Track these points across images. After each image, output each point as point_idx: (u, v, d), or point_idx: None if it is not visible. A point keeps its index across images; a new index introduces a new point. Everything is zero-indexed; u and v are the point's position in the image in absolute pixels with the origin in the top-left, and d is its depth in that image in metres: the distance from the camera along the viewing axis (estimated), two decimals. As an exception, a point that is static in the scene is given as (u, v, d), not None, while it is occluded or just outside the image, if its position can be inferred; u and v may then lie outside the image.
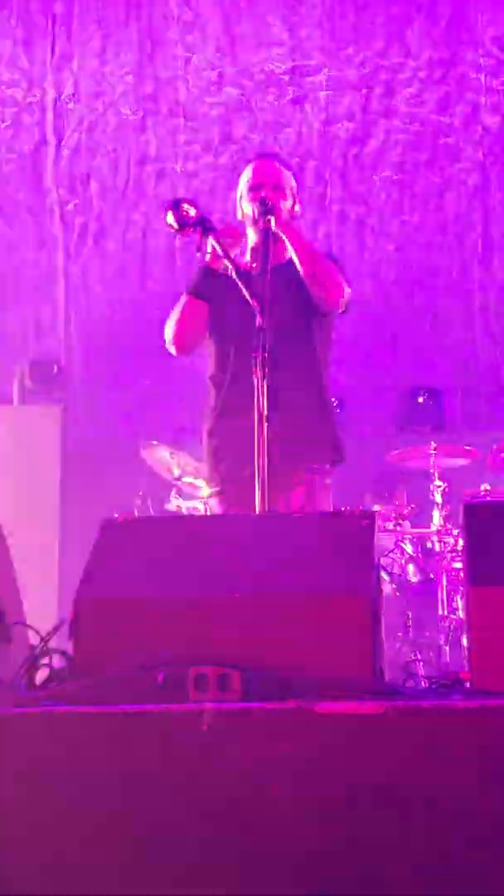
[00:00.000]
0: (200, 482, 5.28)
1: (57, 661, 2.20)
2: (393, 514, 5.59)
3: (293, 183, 3.85)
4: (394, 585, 5.42)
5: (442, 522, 5.46)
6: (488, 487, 5.54)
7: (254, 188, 3.72)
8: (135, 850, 1.78)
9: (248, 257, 3.75)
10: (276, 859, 1.76)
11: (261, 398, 3.11)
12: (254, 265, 3.57)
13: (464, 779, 1.76)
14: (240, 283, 3.33)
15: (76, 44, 7.91)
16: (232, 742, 1.79)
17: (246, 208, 3.72)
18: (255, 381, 3.13)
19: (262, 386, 3.12)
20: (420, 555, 5.55)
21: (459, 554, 5.18)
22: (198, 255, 3.64)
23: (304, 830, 1.77)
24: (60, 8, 7.92)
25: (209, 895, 1.75)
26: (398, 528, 5.59)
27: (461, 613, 5.02)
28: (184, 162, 7.86)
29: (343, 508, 2.44)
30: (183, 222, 3.47)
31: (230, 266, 3.44)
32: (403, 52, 7.75)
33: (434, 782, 1.76)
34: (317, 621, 2.08)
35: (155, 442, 5.98)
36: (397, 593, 5.43)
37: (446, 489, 5.53)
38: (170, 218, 3.48)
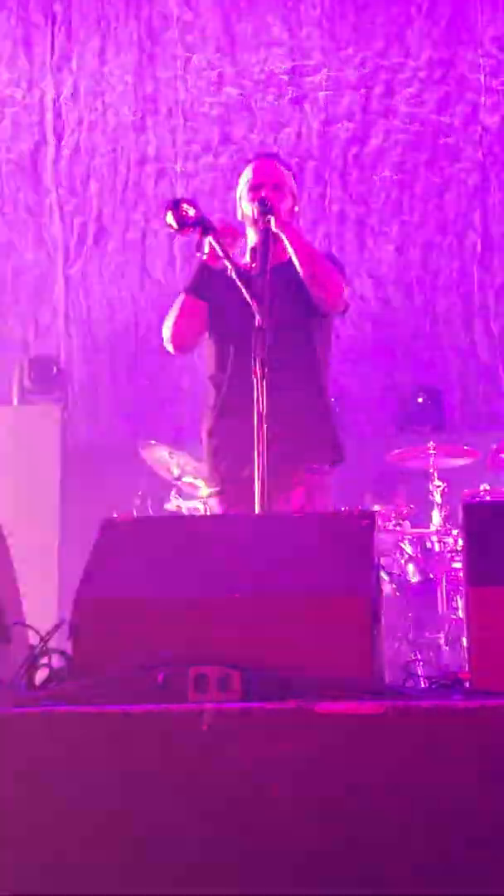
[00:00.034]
0: (200, 482, 5.28)
1: (57, 661, 2.19)
2: (392, 514, 5.59)
3: (293, 183, 3.85)
4: (394, 585, 5.42)
5: (441, 522, 5.45)
6: (488, 487, 5.54)
7: (254, 188, 3.72)
8: (135, 850, 1.78)
9: (247, 257, 3.75)
10: (276, 859, 1.76)
11: (260, 398, 3.11)
12: (253, 265, 3.57)
13: (464, 779, 1.76)
14: (239, 284, 3.33)
15: (76, 44, 7.92)
16: (232, 742, 1.79)
17: (246, 208, 3.72)
18: (255, 380, 3.13)
19: (262, 386, 3.12)
20: (420, 555, 5.54)
21: (459, 554, 5.18)
22: (197, 255, 3.64)
23: (304, 830, 1.77)
24: (60, 8, 7.92)
25: (209, 895, 1.75)
26: (398, 528, 5.59)
27: (461, 613, 5.02)
28: (183, 162, 7.86)
29: (343, 508, 2.44)
30: (182, 222, 3.47)
31: (230, 266, 3.44)
32: (403, 52, 7.75)
33: (434, 782, 1.76)
34: (317, 621, 2.08)
35: (154, 442, 5.98)
36: (397, 593, 5.43)
37: (446, 489, 5.53)
38: (169, 218, 3.48)
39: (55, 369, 7.31)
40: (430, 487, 5.55)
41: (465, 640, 3.47)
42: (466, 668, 2.11)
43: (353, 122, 7.81)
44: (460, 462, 5.87)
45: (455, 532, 5.33)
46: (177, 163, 7.87)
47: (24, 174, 7.91)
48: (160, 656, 1.99)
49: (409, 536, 5.58)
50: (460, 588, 5.03)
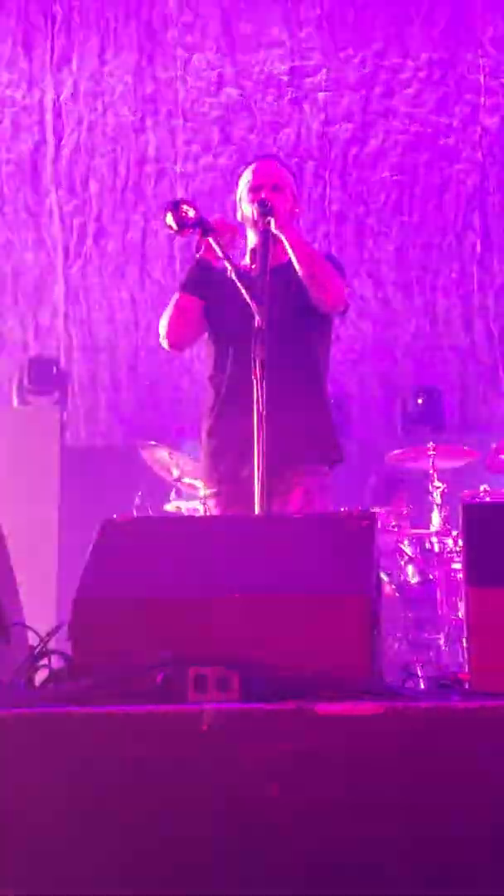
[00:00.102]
0: (199, 483, 5.28)
1: (56, 661, 2.19)
2: (392, 515, 5.59)
3: (293, 184, 3.85)
4: (393, 586, 5.42)
5: (441, 523, 5.46)
6: (488, 488, 5.54)
7: (253, 189, 3.72)
8: (134, 850, 1.78)
9: (247, 259, 3.74)
10: (276, 860, 1.76)
11: (260, 399, 3.11)
12: (253, 266, 3.57)
13: (463, 779, 1.76)
14: (239, 285, 3.33)
15: (76, 44, 7.92)
16: (231, 743, 1.79)
17: (245, 209, 3.72)
18: (254, 381, 3.13)
19: (261, 386, 3.12)
20: (419, 555, 5.55)
21: (459, 555, 5.18)
22: (197, 255, 3.64)
23: (303, 831, 1.77)
24: (60, 8, 7.92)
25: (209, 895, 1.75)
26: (397, 529, 5.59)
27: (460, 614, 5.02)
28: (183, 162, 7.87)
29: (342, 509, 2.44)
30: (182, 223, 3.47)
31: (229, 267, 3.44)
32: (403, 53, 7.76)
33: (434, 783, 1.76)
34: (316, 622, 2.08)
35: (154, 443, 5.98)
36: (397, 594, 5.43)
37: (446, 490, 5.53)
38: (169, 219, 3.48)
39: (55, 369, 7.31)
40: (430, 488, 5.55)
41: (464, 641, 3.48)
42: (466, 669, 2.11)
43: (353, 122, 7.82)
44: (460, 463, 5.88)
45: (455, 533, 5.34)
46: (177, 163, 7.87)
47: (24, 174, 7.91)
48: (159, 657, 1.99)
49: (409, 537, 5.59)
50: (460, 589, 5.03)
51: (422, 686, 3.17)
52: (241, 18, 7.83)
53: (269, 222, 3.47)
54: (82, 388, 7.80)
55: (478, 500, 5.41)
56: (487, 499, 5.43)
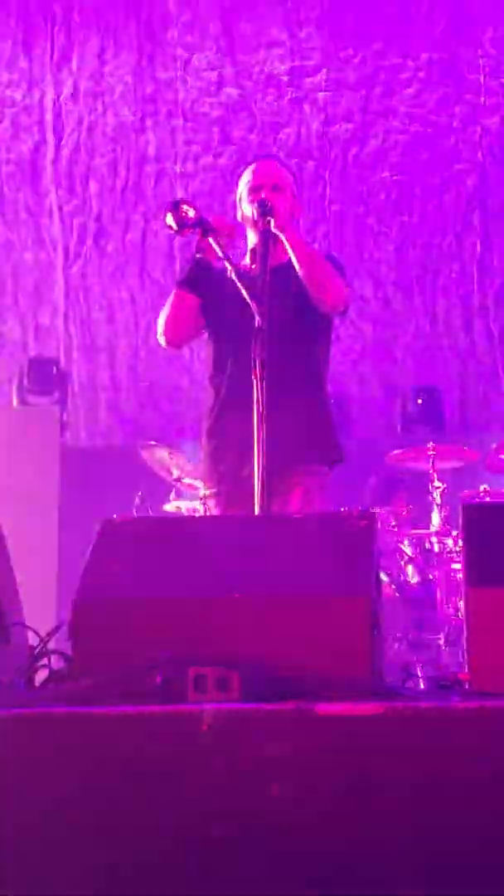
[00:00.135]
0: (199, 483, 5.28)
1: (56, 661, 2.20)
2: (392, 515, 5.59)
3: (293, 184, 3.84)
4: (393, 586, 5.42)
5: (441, 523, 5.45)
6: (488, 488, 5.54)
7: (253, 189, 3.71)
8: (134, 850, 1.78)
9: (247, 259, 3.74)
10: (276, 860, 1.76)
11: (259, 399, 3.11)
12: (253, 266, 3.57)
13: (463, 780, 1.76)
14: (239, 285, 3.33)
15: (76, 44, 7.92)
16: (231, 743, 1.79)
17: (245, 210, 3.72)
18: (254, 381, 3.13)
19: (261, 386, 3.12)
20: (419, 556, 5.55)
21: (459, 555, 5.18)
22: (197, 255, 3.64)
23: (303, 831, 1.77)
24: (60, 8, 7.92)
25: (209, 895, 1.75)
26: (397, 529, 5.59)
27: (460, 614, 5.02)
28: (183, 162, 7.87)
29: (342, 509, 2.44)
30: (182, 223, 3.47)
31: (230, 267, 3.45)
32: (403, 52, 7.76)
33: (433, 783, 1.76)
34: (316, 622, 2.08)
35: (154, 443, 5.98)
36: (397, 594, 5.43)
37: (445, 490, 5.53)
38: (169, 219, 3.48)
39: (55, 369, 7.31)
40: (430, 488, 5.55)
41: (464, 641, 3.48)
42: (466, 669, 2.11)
43: (353, 122, 7.82)
44: (460, 463, 5.87)
45: (454, 533, 5.34)
46: (176, 163, 7.87)
47: (24, 174, 7.91)
48: (159, 657, 1.99)
49: (409, 537, 5.58)
50: (460, 589, 5.03)
51: (422, 686, 3.17)
52: (241, 18, 7.83)
53: (268, 222, 3.47)
54: (82, 388, 7.80)
55: (478, 500, 5.41)
56: (487, 499, 5.43)
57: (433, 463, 5.59)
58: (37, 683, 2.18)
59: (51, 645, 2.21)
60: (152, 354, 7.62)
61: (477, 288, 7.70)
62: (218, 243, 3.50)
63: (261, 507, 3.06)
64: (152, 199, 7.73)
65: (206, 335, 3.84)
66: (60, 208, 7.88)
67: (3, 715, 1.85)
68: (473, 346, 7.68)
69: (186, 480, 5.69)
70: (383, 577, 5.15)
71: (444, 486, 5.54)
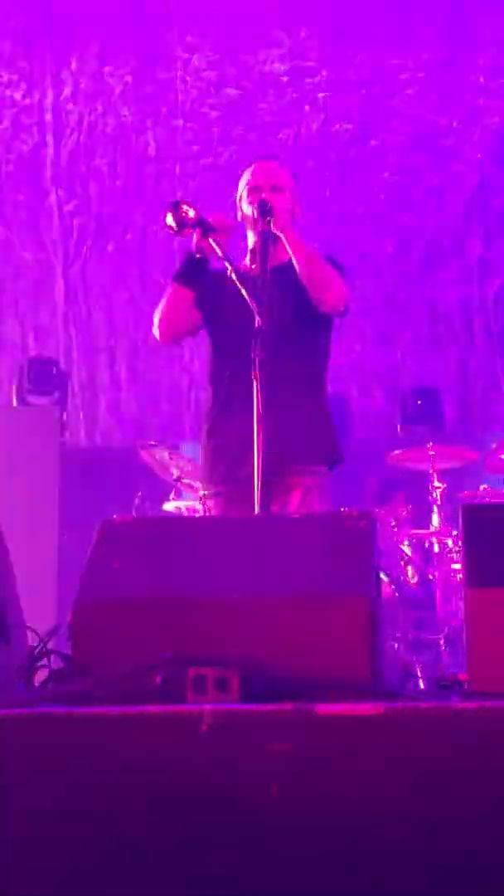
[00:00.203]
0: (199, 483, 5.28)
1: (56, 662, 2.19)
2: (392, 516, 5.59)
3: (294, 185, 3.84)
4: (393, 586, 5.42)
5: (441, 524, 5.45)
6: (487, 488, 5.54)
7: (253, 190, 3.71)
8: (134, 850, 1.78)
9: (247, 259, 3.74)
10: (276, 860, 1.76)
11: (259, 399, 3.11)
12: (253, 266, 3.56)
13: (463, 780, 1.76)
14: (239, 285, 3.33)
15: (76, 44, 7.92)
16: (231, 744, 1.79)
17: (245, 210, 3.72)
18: (254, 381, 3.13)
19: (261, 387, 3.12)
20: (419, 556, 5.54)
21: (458, 555, 5.18)
22: (197, 256, 3.63)
23: (303, 831, 1.77)
24: (60, 9, 7.92)
25: (209, 895, 1.75)
26: (397, 530, 5.59)
27: (460, 615, 5.01)
28: (183, 162, 7.87)
29: (342, 509, 2.44)
30: (182, 223, 3.47)
31: (230, 267, 3.45)
32: (403, 52, 7.76)
33: (433, 783, 1.76)
34: (316, 622, 2.08)
35: (154, 443, 5.98)
36: (397, 594, 5.43)
37: (445, 490, 5.53)
38: (169, 219, 3.48)
39: (55, 369, 7.30)
40: (430, 488, 5.55)
41: (464, 641, 3.47)
42: (465, 670, 2.11)
43: (353, 122, 7.82)
44: (459, 463, 5.87)
45: (454, 533, 5.34)
46: (177, 163, 7.87)
47: (24, 174, 7.91)
48: (158, 657, 1.99)
49: (409, 537, 5.58)
50: (460, 589, 5.03)
51: (422, 686, 3.17)
52: (241, 18, 7.84)
53: (268, 223, 3.47)
54: (82, 388, 7.80)
55: (477, 500, 5.41)
56: (487, 499, 5.43)
57: (433, 463, 5.59)
58: (36, 684, 2.18)
59: (50, 645, 2.21)
60: (152, 354, 7.62)
61: (477, 288, 7.70)
62: (218, 243, 3.50)
63: (260, 508, 3.06)
64: (152, 199, 7.73)
65: (204, 334, 3.84)
66: (60, 208, 7.88)
67: (3, 715, 1.85)
68: (473, 346, 7.68)
69: (186, 480, 5.69)
70: (383, 577, 5.14)
71: (444, 486, 5.53)
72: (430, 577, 5.43)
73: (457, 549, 5.26)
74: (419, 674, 4.70)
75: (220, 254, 3.50)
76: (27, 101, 7.90)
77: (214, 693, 1.94)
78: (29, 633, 2.32)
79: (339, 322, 3.86)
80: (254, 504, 3.09)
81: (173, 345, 3.98)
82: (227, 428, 3.64)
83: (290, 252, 3.60)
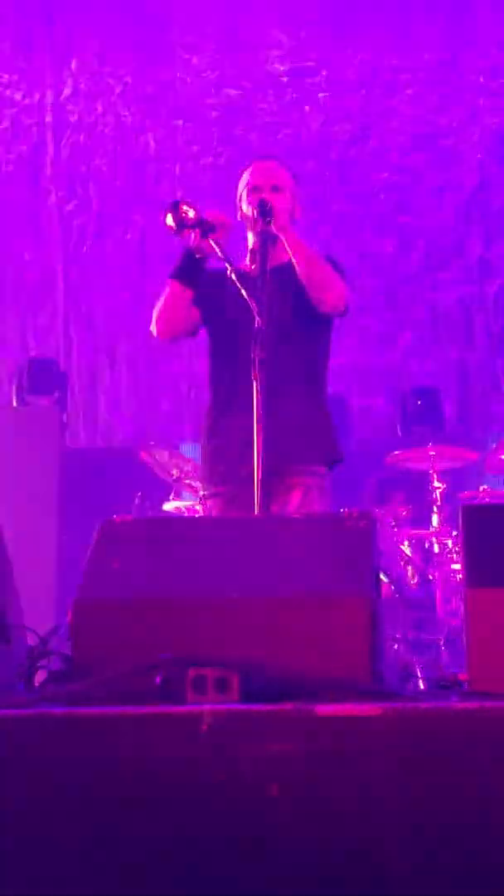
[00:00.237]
0: (199, 483, 5.28)
1: (55, 662, 2.19)
2: (391, 516, 5.59)
3: (294, 185, 3.83)
4: (393, 587, 5.42)
5: (441, 524, 5.45)
6: (487, 488, 5.54)
7: (252, 190, 3.71)
8: (133, 851, 1.78)
9: (247, 259, 3.74)
10: (275, 860, 1.76)
11: (259, 399, 3.11)
12: (253, 266, 3.56)
13: (463, 781, 1.76)
14: (238, 285, 3.33)
15: (75, 44, 7.92)
16: (230, 744, 1.79)
17: (245, 210, 3.72)
18: (254, 382, 3.13)
19: (261, 387, 3.12)
20: (419, 556, 5.54)
21: (458, 555, 5.17)
22: (196, 256, 3.63)
23: (302, 832, 1.77)
24: (59, 8, 7.93)
25: (209, 895, 1.75)
26: (397, 530, 5.59)
27: (460, 615, 5.01)
28: (183, 163, 7.87)
29: (342, 510, 2.44)
30: (182, 223, 3.47)
31: (229, 267, 3.44)
32: (403, 52, 7.76)
33: (433, 784, 1.76)
34: (316, 623, 2.08)
35: (154, 443, 5.97)
36: (397, 594, 5.43)
37: (445, 490, 5.53)
38: (169, 219, 3.47)
39: (55, 369, 7.30)
40: (430, 489, 5.55)
41: (464, 642, 3.47)
42: (465, 670, 2.11)
43: (353, 122, 7.82)
44: (459, 463, 5.87)
45: (454, 533, 5.33)
46: (176, 163, 7.87)
47: (24, 174, 7.91)
48: (158, 657, 1.99)
49: (409, 538, 5.58)
50: (459, 589, 5.03)
51: (422, 686, 3.17)
52: (241, 18, 7.84)
53: (268, 223, 3.47)
54: (82, 388, 7.80)
55: (477, 500, 5.41)
56: (487, 499, 5.43)
57: (433, 463, 5.59)
58: (36, 684, 2.18)
59: (50, 645, 2.21)
60: (152, 355, 7.62)
61: (477, 288, 7.70)
62: (218, 244, 3.50)
63: (260, 508, 3.06)
64: (152, 199, 7.72)
65: (203, 334, 3.84)
66: (60, 208, 7.88)
67: (2, 715, 1.85)
68: (473, 346, 7.68)
69: (186, 481, 5.69)
70: (383, 577, 5.14)
71: (444, 486, 5.53)
72: (430, 577, 5.42)
73: (457, 549, 5.26)
74: (419, 674, 4.70)
75: (220, 254, 3.50)
76: (27, 101, 7.90)
77: (214, 693, 1.94)
78: (29, 634, 2.32)
79: (339, 322, 3.85)
80: (254, 504, 3.09)
81: (171, 343, 3.98)
82: (227, 428, 3.64)
83: (290, 252, 3.60)
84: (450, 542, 5.37)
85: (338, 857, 1.76)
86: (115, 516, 2.45)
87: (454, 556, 5.30)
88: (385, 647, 2.48)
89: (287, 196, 3.73)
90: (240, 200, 3.77)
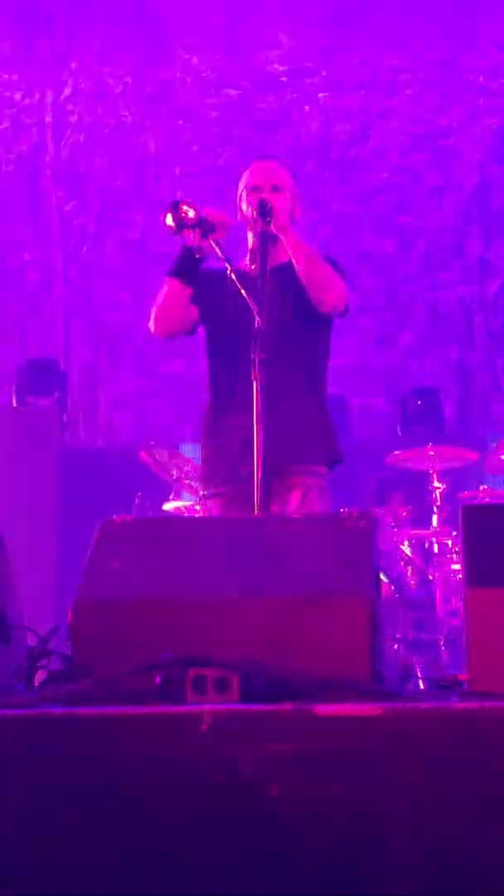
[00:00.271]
0: (199, 483, 5.27)
1: (55, 662, 2.19)
2: (391, 516, 5.59)
3: (294, 185, 3.83)
4: (393, 587, 5.42)
5: (441, 524, 5.45)
6: (487, 488, 5.54)
7: (252, 190, 3.71)
8: (133, 851, 1.78)
9: (247, 259, 3.74)
10: (275, 861, 1.76)
11: (259, 399, 3.12)
12: (253, 267, 3.56)
13: (462, 781, 1.76)
14: (238, 285, 3.33)
15: (76, 44, 7.92)
16: (230, 744, 1.79)
17: (245, 210, 3.72)
18: (254, 382, 3.13)
19: (261, 387, 3.12)
20: (419, 556, 5.54)
21: (458, 555, 5.17)
22: (196, 256, 3.63)
23: (302, 832, 1.77)
24: (60, 8, 7.93)
25: (209, 895, 1.75)
26: (397, 530, 5.59)
27: (460, 615, 5.01)
28: (183, 163, 7.87)
29: (342, 510, 2.44)
30: (182, 223, 3.47)
31: (229, 267, 3.44)
32: (403, 53, 7.76)
33: (433, 784, 1.76)
34: (316, 623, 2.08)
35: (153, 443, 5.97)
36: (397, 594, 5.43)
37: (445, 490, 5.53)
38: (169, 219, 3.47)
39: (55, 370, 7.30)
40: (430, 489, 5.55)
41: (464, 641, 3.47)
42: (465, 670, 2.11)
43: (353, 122, 7.82)
44: (459, 463, 5.87)
45: (454, 533, 5.33)
46: (177, 163, 7.87)
47: (24, 174, 7.91)
48: (158, 657, 1.99)
49: (409, 538, 5.58)
50: (459, 589, 5.03)
51: (422, 686, 3.17)
52: (241, 18, 7.84)
53: (268, 223, 3.47)
54: (82, 388, 7.80)
55: (477, 500, 5.41)
56: (487, 499, 5.43)
57: (433, 463, 5.59)
58: (36, 684, 2.18)
59: (50, 645, 2.21)
60: (152, 355, 7.62)
61: (477, 288, 7.70)
62: (218, 244, 3.50)
63: (260, 508, 3.06)
64: (152, 199, 7.72)
65: (203, 334, 3.84)
66: (60, 208, 7.88)
67: (2, 715, 1.85)
68: (473, 346, 7.69)
69: (186, 481, 5.69)
70: (383, 577, 5.14)
71: (444, 486, 5.53)
72: (430, 577, 5.42)
73: (457, 549, 5.26)
74: (419, 674, 4.70)
75: (219, 254, 3.50)
76: (27, 101, 7.90)
77: (214, 693, 1.94)
78: (29, 634, 2.32)
79: (339, 322, 3.85)
80: (254, 504, 3.09)
81: (169, 340, 3.97)
82: (227, 428, 3.64)
83: (290, 252, 3.60)
84: (450, 542, 5.37)
85: (338, 857, 1.76)
86: (115, 516, 2.45)
87: (454, 556, 5.30)
88: (385, 647, 2.48)
89: (287, 196, 3.72)
90: (240, 200, 3.77)
